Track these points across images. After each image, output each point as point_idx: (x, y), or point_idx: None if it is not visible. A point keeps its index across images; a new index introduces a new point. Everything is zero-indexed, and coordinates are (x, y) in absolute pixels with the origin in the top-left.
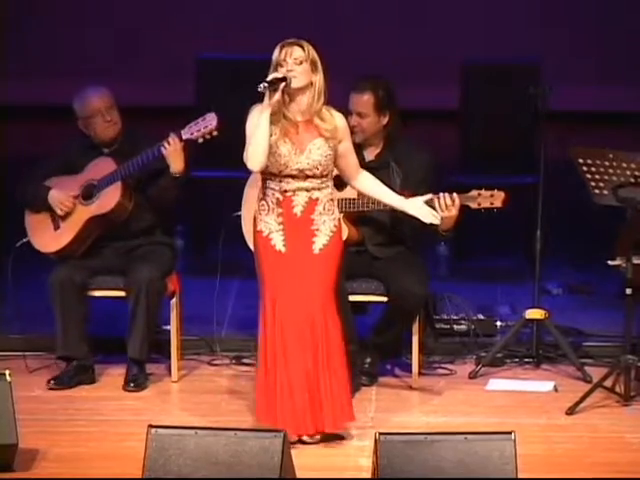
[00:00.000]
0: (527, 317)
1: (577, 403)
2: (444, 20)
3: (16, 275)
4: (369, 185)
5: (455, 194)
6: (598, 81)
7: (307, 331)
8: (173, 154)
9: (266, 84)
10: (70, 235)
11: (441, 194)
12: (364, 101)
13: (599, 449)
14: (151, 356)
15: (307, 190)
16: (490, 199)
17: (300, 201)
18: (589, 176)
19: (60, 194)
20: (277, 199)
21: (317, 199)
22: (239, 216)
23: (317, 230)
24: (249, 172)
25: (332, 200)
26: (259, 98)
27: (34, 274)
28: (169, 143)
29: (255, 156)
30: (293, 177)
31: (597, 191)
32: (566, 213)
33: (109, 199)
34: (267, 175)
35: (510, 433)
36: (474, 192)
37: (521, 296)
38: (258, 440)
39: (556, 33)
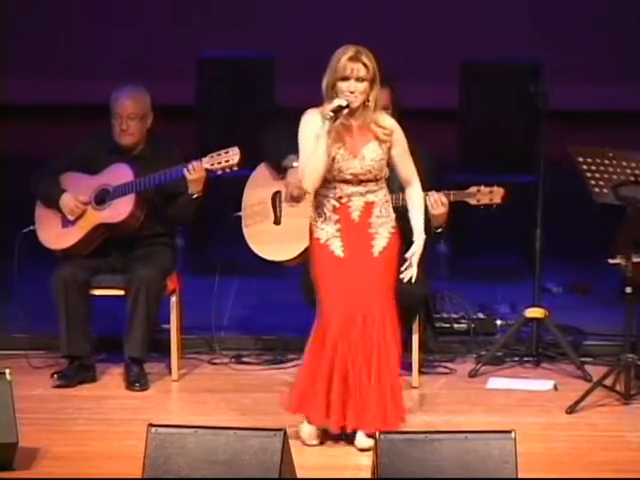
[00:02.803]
0: (527, 316)
1: (577, 402)
2: (444, 19)
3: (20, 271)
4: (409, 201)
5: (452, 192)
6: (598, 80)
7: (365, 334)
8: (196, 181)
9: (332, 114)
10: (77, 237)
11: (430, 193)
12: (386, 95)
13: (599, 448)
14: (150, 355)
15: (362, 194)
16: (489, 195)
17: (357, 206)
18: (589, 175)
19: (71, 201)
20: (333, 206)
21: (373, 202)
22: (239, 217)
23: (376, 233)
24: (249, 172)
25: (388, 202)
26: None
27: (38, 272)
28: (193, 169)
29: (311, 179)
30: (347, 182)
31: (597, 190)
32: (566, 212)
33: (121, 210)
34: (326, 182)
35: (510, 432)
36: (473, 189)
37: (521, 295)
38: (258, 439)
39: (556, 32)
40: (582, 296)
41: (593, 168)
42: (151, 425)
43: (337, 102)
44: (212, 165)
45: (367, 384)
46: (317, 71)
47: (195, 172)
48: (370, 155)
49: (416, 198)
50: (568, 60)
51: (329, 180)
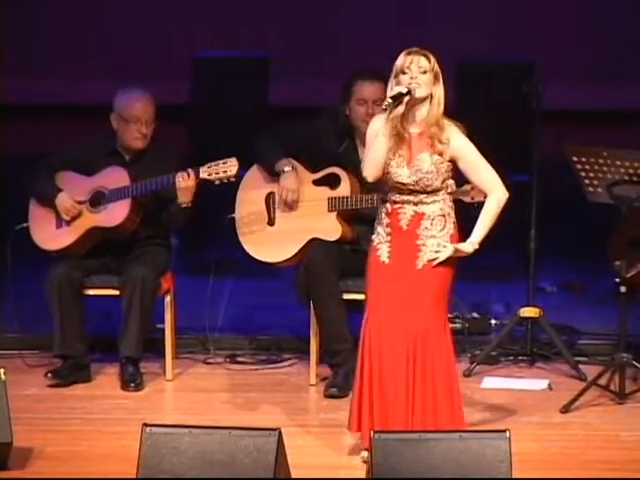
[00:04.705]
0: (521, 315)
1: (571, 401)
2: (439, 18)
3: (13, 270)
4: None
5: None
6: (594, 80)
7: (403, 346)
8: (185, 189)
9: (390, 100)
10: (71, 238)
11: None
12: (381, 88)
13: (593, 447)
14: (144, 355)
15: (414, 204)
16: (484, 193)
17: (406, 215)
18: (583, 174)
19: (67, 200)
20: (387, 209)
21: (423, 214)
22: (233, 218)
23: (423, 245)
24: (243, 173)
25: (444, 216)
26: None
27: (32, 272)
28: (183, 179)
29: (369, 168)
30: (398, 190)
31: (591, 189)
32: (560, 211)
33: (117, 214)
34: (385, 185)
35: (504, 431)
36: (467, 186)
37: (515, 294)
38: (252, 439)
39: (550, 31)
40: (576, 295)
41: (587, 167)
42: (145, 425)
43: (397, 89)
44: (209, 175)
45: (412, 401)
46: (311, 71)
47: (185, 181)
48: (421, 166)
49: (484, 209)
50: (563, 60)
51: (387, 183)
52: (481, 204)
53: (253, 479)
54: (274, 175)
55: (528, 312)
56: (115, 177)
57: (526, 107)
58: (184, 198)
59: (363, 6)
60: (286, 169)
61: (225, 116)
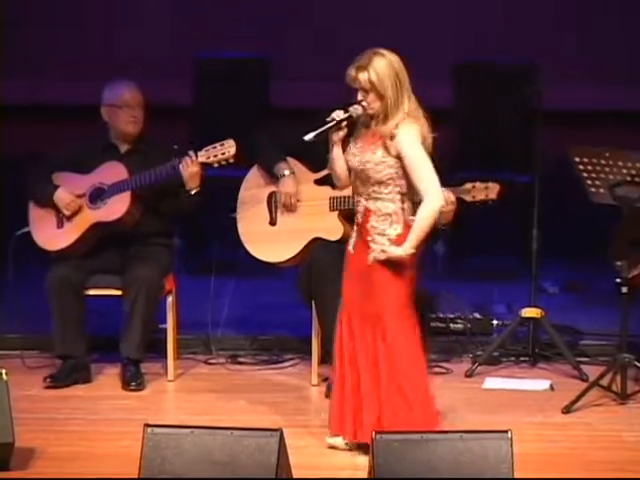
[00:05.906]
0: (523, 316)
1: (573, 402)
2: (440, 18)
3: (15, 271)
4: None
5: (447, 189)
6: (595, 80)
7: (359, 338)
8: (191, 175)
9: (312, 137)
10: (73, 237)
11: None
12: None
13: (595, 447)
14: (147, 355)
15: (366, 198)
16: (485, 191)
17: (360, 208)
18: (586, 175)
19: (66, 195)
20: (354, 200)
21: (370, 211)
22: (234, 218)
23: (372, 241)
24: (246, 172)
25: (390, 215)
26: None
27: (33, 273)
28: (187, 164)
29: (335, 180)
30: (355, 177)
31: (593, 190)
32: (562, 212)
33: (118, 207)
34: None
35: (506, 432)
36: (468, 185)
37: (517, 295)
38: (254, 439)
39: (553, 31)
40: (578, 296)
41: (590, 168)
42: (147, 425)
43: (333, 115)
44: (208, 158)
45: (369, 393)
46: (312, 71)
47: (189, 167)
48: (372, 155)
49: (417, 215)
50: (564, 60)
51: None
52: (482, 203)
53: (255, 479)
54: (273, 177)
55: (530, 312)
56: (113, 172)
57: (527, 107)
58: (192, 184)
59: (364, 6)
60: (285, 173)
61: (226, 117)
